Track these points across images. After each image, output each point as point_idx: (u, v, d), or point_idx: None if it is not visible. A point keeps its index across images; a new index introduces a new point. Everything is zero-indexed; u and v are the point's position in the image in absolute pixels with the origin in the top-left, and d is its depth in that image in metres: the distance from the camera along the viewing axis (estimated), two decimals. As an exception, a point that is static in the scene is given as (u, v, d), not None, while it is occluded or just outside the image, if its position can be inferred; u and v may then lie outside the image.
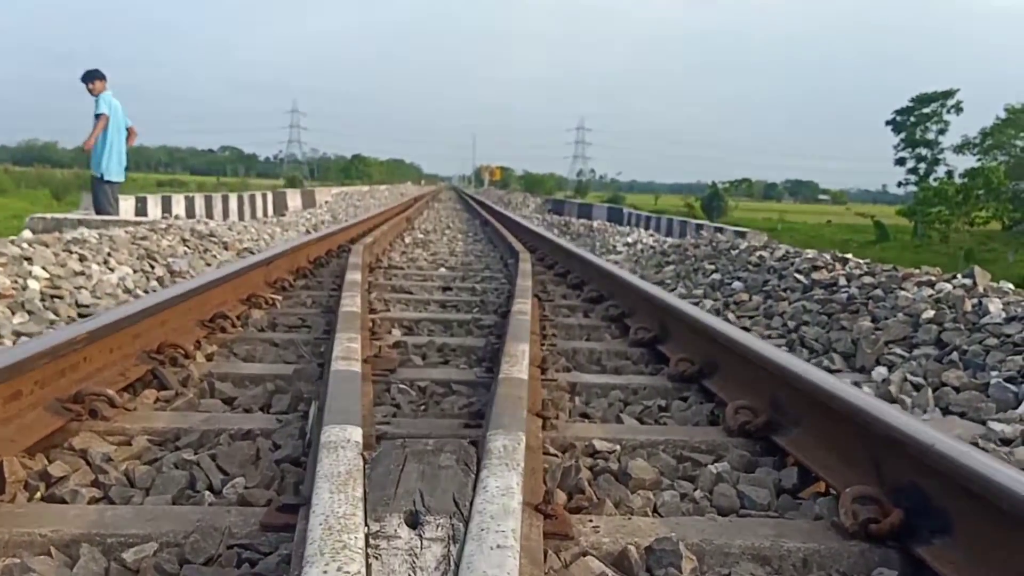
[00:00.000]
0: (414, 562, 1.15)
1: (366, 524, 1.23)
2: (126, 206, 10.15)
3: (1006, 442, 2.28)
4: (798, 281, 4.63)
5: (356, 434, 1.62)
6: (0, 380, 1.89)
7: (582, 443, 2.21)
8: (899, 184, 60.82)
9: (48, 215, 8.36)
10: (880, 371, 3.05)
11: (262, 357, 3.17)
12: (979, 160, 48.80)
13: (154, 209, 10.95)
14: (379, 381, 2.77)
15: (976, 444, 2.21)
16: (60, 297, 3.76)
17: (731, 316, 4.39)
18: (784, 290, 4.64)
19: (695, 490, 1.96)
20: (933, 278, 3.96)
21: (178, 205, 11.70)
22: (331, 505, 1.24)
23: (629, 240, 9.67)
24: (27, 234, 5.19)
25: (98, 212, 9.11)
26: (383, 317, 4.06)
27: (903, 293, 3.74)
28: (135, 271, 4.86)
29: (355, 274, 4.43)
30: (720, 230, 10.63)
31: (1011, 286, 3.72)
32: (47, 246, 4.47)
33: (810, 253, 5.45)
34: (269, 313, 4.02)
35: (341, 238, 7.71)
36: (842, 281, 4.33)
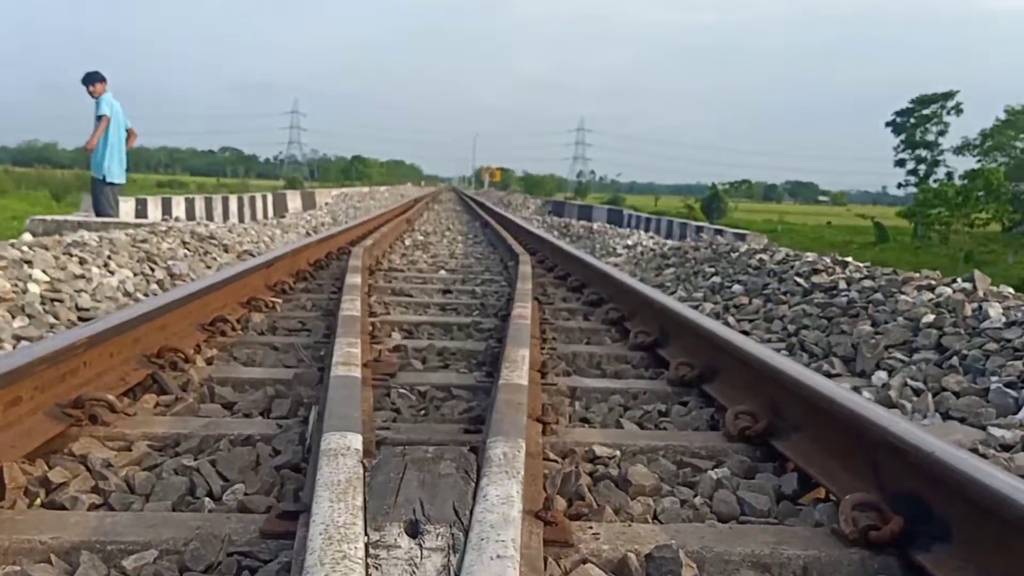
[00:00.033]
0: (414, 572, 1.15)
1: (366, 533, 1.23)
2: (126, 208, 10.15)
3: (1006, 448, 2.27)
4: (798, 284, 4.63)
5: (356, 441, 1.62)
6: (0, 386, 1.90)
7: (582, 448, 2.21)
8: (899, 185, 60.91)
9: (48, 217, 8.36)
10: (880, 375, 3.05)
11: (262, 361, 3.17)
12: (979, 162, 48.82)
13: (154, 211, 10.96)
14: (379, 385, 2.76)
15: (976, 450, 2.21)
16: (60, 300, 3.76)
17: (731, 320, 4.39)
18: (784, 293, 4.64)
19: (695, 496, 1.96)
20: (933, 282, 3.96)
21: (178, 207, 11.70)
22: (331, 514, 1.24)
23: (629, 242, 9.66)
24: (27, 237, 5.19)
25: (98, 214, 9.11)
26: (383, 320, 4.06)
27: (903, 297, 3.74)
28: (135, 274, 4.86)
29: (355, 277, 4.43)
30: (720, 232, 10.64)
31: (1011, 290, 3.72)
32: (47, 249, 4.47)
33: (810, 256, 5.45)
34: (269, 316, 4.02)
35: (341, 240, 7.71)
36: (842, 285, 4.33)
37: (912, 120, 56.81)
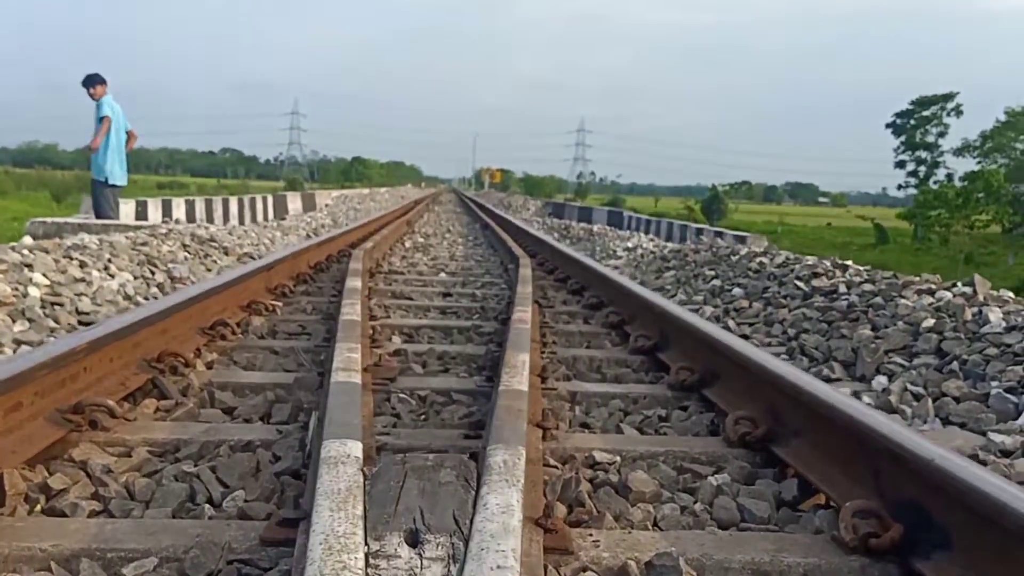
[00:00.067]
0: (414, 582, 1.15)
1: (366, 543, 1.23)
2: (126, 210, 10.15)
3: (1006, 454, 2.27)
4: (798, 288, 4.63)
5: (356, 449, 1.62)
6: (1, 392, 1.90)
7: (582, 454, 2.21)
8: (899, 187, 60.97)
9: (49, 219, 8.36)
10: (880, 380, 3.04)
11: (262, 365, 3.17)
12: (979, 163, 48.86)
13: (154, 213, 10.96)
14: (379, 390, 2.77)
15: (976, 456, 2.21)
16: (61, 304, 3.76)
17: (731, 323, 4.39)
18: (784, 297, 4.64)
19: (695, 503, 1.96)
20: (933, 286, 3.96)
21: (178, 209, 11.70)
22: (331, 524, 1.24)
23: (629, 245, 9.67)
24: (28, 240, 5.19)
25: (98, 216, 9.11)
26: (383, 324, 4.06)
27: (903, 301, 3.74)
28: (136, 277, 4.86)
29: (355, 280, 4.43)
30: (720, 235, 10.64)
31: (1011, 294, 3.72)
32: (47, 252, 4.47)
33: (810, 260, 5.45)
34: (270, 320, 4.02)
35: (341, 243, 7.71)
36: (842, 288, 4.33)
37: (912, 122, 56.87)
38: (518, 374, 2.36)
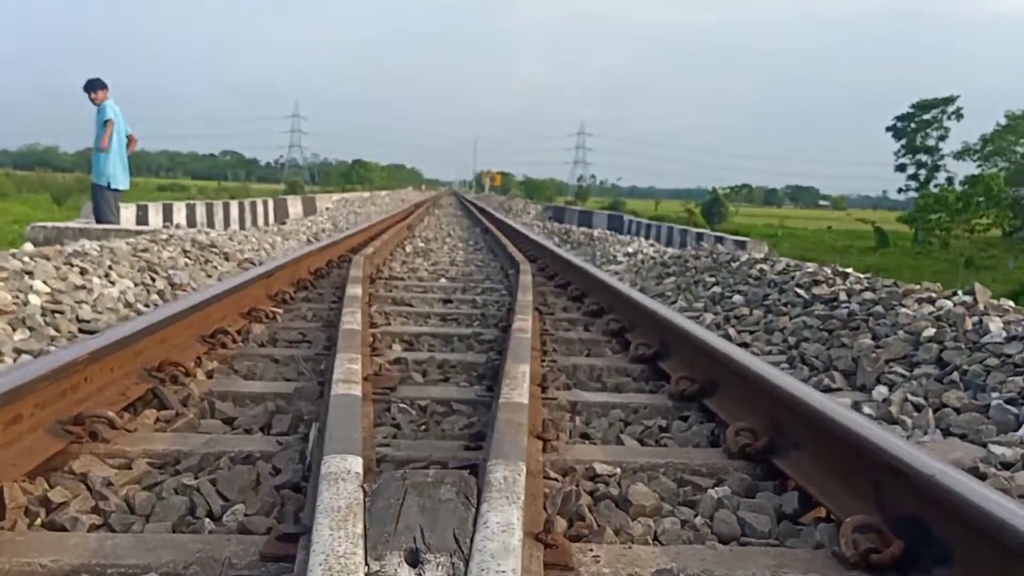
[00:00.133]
0: (414, 602, 1.15)
1: (366, 563, 1.23)
2: (127, 214, 10.15)
3: (1007, 466, 2.27)
4: (798, 295, 4.62)
5: (356, 464, 1.62)
6: (1, 404, 1.90)
7: (582, 466, 2.21)
8: (899, 190, 60.98)
9: (49, 224, 8.37)
10: (881, 390, 3.04)
11: (263, 374, 3.17)
12: (979, 166, 48.90)
13: (155, 217, 10.96)
14: (379, 400, 2.77)
15: (977, 468, 2.21)
16: (61, 312, 3.76)
17: (732, 331, 4.38)
18: (784, 304, 4.64)
19: (696, 516, 1.96)
20: (934, 295, 3.96)
21: (179, 213, 11.71)
22: (331, 544, 1.24)
23: (629, 250, 9.67)
24: (28, 247, 5.19)
25: (99, 220, 9.12)
26: (383, 331, 4.06)
27: (903, 310, 3.74)
28: (136, 284, 4.86)
29: (355, 288, 4.43)
30: (720, 240, 10.64)
31: (1011, 303, 3.72)
32: (48, 259, 4.47)
33: (810, 267, 5.45)
34: (270, 327, 4.01)
35: (342, 248, 7.71)
36: (843, 296, 4.33)
37: (913, 125, 56.92)
38: (518, 386, 2.36)
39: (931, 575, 1.57)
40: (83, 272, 4.51)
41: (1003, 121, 50.06)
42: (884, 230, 42.45)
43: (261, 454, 2.19)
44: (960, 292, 3.93)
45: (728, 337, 4.23)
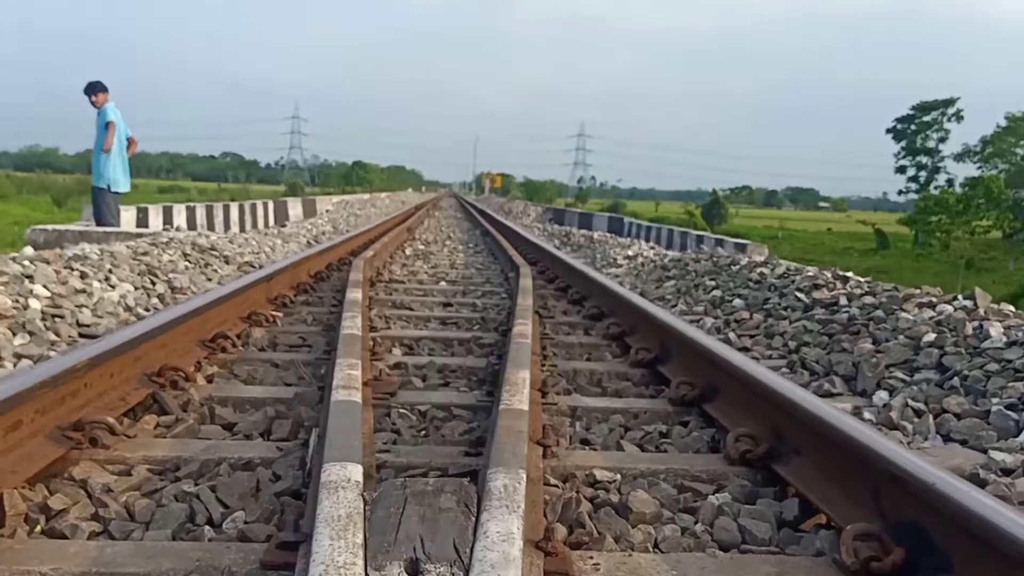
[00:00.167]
0: (414, 613, 1.15)
1: (366, 573, 1.23)
2: (128, 217, 10.16)
3: (1007, 472, 2.27)
4: (799, 300, 4.62)
5: (356, 472, 1.62)
6: (1, 411, 1.90)
7: (583, 472, 2.21)
8: (900, 192, 61.00)
9: (50, 227, 8.37)
10: (881, 395, 3.04)
11: (263, 379, 3.17)
12: (979, 168, 48.93)
13: (155, 220, 10.96)
14: (379, 405, 2.76)
15: (977, 474, 2.20)
16: (61, 317, 3.75)
17: (732, 335, 4.38)
18: (785, 308, 4.64)
19: (696, 523, 1.96)
20: (934, 299, 3.96)
21: (179, 215, 11.71)
22: (331, 554, 1.24)
23: (630, 253, 9.67)
24: (28, 250, 5.19)
25: (99, 223, 9.12)
26: (384, 335, 4.06)
27: (904, 315, 3.74)
28: (136, 288, 4.86)
29: (356, 292, 4.43)
30: (720, 243, 10.64)
31: (1012, 308, 3.72)
32: (48, 263, 4.47)
33: (811, 271, 5.45)
34: (270, 331, 4.01)
35: (342, 251, 7.71)
36: (843, 301, 4.33)
37: (913, 127, 56.96)
38: (519, 392, 2.35)
39: (931, 583, 1.56)
40: (83, 276, 4.51)
41: (1003, 123, 50.10)
42: (884, 232, 42.48)
43: (261, 460, 2.19)
44: (960, 297, 3.93)
45: (728, 341, 4.23)
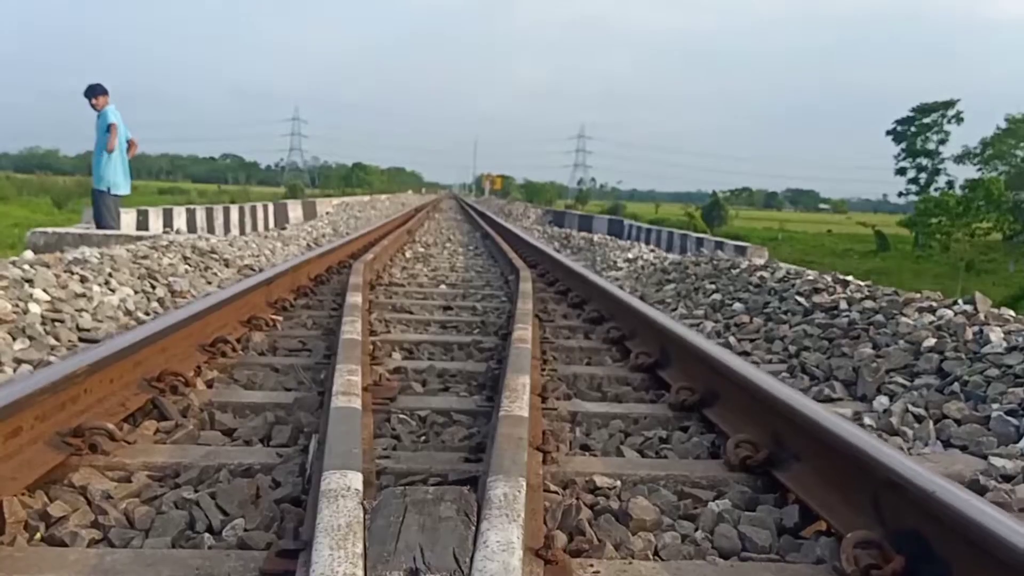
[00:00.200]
0: (414, 624, 1.15)
1: (366, 583, 1.22)
2: (127, 220, 10.16)
3: (1007, 478, 2.26)
4: (799, 304, 4.62)
5: (356, 481, 1.61)
6: (1, 417, 1.90)
7: (583, 478, 2.21)
8: (900, 194, 61.03)
9: (50, 229, 8.37)
10: (882, 401, 3.04)
11: (262, 384, 3.17)
12: (979, 170, 48.95)
13: (155, 222, 10.96)
14: (379, 410, 2.76)
15: (977, 481, 2.20)
16: (61, 321, 3.75)
17: (732, 339, 4.38)
18: (785, 312, 4.64)
19: (696, 530, 1.95)
20: (934, 304, 3.96)
21: (179, 218, 11.71)
22: (331, 564, 1.24)
23: (630, 256, 9.66)
24: (28, 254, 5.19)
25: (99, 226, 9.12)
26: (383, 340, 4.06)
27: (904, 319, 3.74)
28: (136, 292, 4.85)
29: (355, 296, 4.43)
30: (720, 246, 10.64)
31: (1012, 313, 3.72)
32: (48, 267, 4.47)
33: (811, 275, 5.45)
34: (270, 336, 4.01)
35: (342, 254, 7.72)
36: (843, 305, 4.33)
37: (913, 129, 57.01)
38: (519, 398, 2.35)
39: (932, 592, 1.56)
40: (83, 280, 4.50)
41: (1003, 125, 50.14)
42: (884, 234, 42.52)
43: (261, 466, 2.19)
44: (960, 301, 3.93)
45: (728, 345, 4.23)
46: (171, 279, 5.41)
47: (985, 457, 2.45)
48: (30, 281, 4.08)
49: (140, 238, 7.55)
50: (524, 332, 3.54)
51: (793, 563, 1.81)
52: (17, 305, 3.68)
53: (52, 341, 3.54)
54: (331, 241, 10.03)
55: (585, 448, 2.58)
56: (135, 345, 2.72)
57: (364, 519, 1.45)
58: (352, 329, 3.42)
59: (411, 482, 2.09)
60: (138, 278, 5.13)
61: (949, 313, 3.71)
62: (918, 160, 57.31)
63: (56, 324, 3.71)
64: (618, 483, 2.19)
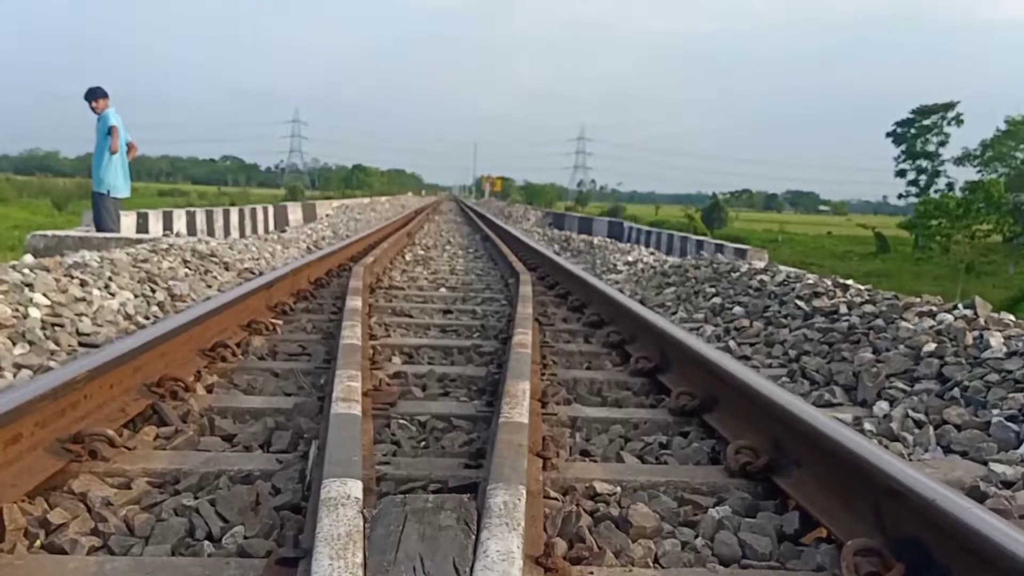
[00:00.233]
0: (414, 634, 1.15)
1: (366, 594, 1.22)
2: (128, 222, 10.16)
3: (1007, 485, 2.26)
4: (799, 308, 4.62)
5: (356, 489, 1.61)
6: (1, 424, 1.89)
7: (583, 485, 2.20)
8: (900, 196, 61.07)
9: (50, 232, 8.37)
10: (882, 406, 3.04)
11: (262, 388, 3.17)
12: (979, 172, 48.98)
13: (155, 225, 10.96)
14: (379, 415, 2.76)
15: (977, 487, 2.20)
16: (61, 325, 3.75)
17: (732, 343, 4.38)
18: (785, 316, 4.64)
19: (696, 537, 1.95)
20: (934, 308, 3.95)
21: (179, 220, 11.71)
22: (331, 574, 1.24)
23: (630, 259, 9.66)
24: (28, 258, 5.19)
25: (99, 229, 9.12)
26: (383, 344, 4.05)
27: (904, 324, 3.74)
28: (136, 295, 4.85)
29: (355, 300, 4.43)
30: (720, 248, 10.64)
31: (1012, 318, 3.72)
32: (48, 271, 4.47)
33: (811, 278, 5.45)
34: (270, 340, 4.01)
35: (342, 256, 7.71)
36: (843, 309, 4.33)
37: (913, 131, 57.05)
38: (519, 404, 2.35)
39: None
40: (83, 284, 4.50)
41: (1003, 127, 50.17)
42: (884, 236, 42.52)
43: (261, 473, 2.19)
44: (960, 306, 3.93)
45: (728, 350, 4.23)
46: (171, 283, 5.40)
47: (985, 463, 2.45)
48: (30, 285, 4.08)
49: (140, 241, 7.55)
50: (524, 336, 3.54)
51: (793, 570, 1.81)
52: (17, 309, 3.68)
53: (52, 346, 3.54)
54: (331, 244, 10.04)
55: (585, 454, 2.58)
56: (135, 350, 2.72)
57: (364, 528, 1.45)
58: (352, 334, 3.42)
59: (411, 488, 2.09)
60: (138, 282, 5.13)
61: (949, 318, 3.71)
62: (918, 162, 57.35)
63: (56, 329, 3.71)
64: (618, 489, 2.19)
